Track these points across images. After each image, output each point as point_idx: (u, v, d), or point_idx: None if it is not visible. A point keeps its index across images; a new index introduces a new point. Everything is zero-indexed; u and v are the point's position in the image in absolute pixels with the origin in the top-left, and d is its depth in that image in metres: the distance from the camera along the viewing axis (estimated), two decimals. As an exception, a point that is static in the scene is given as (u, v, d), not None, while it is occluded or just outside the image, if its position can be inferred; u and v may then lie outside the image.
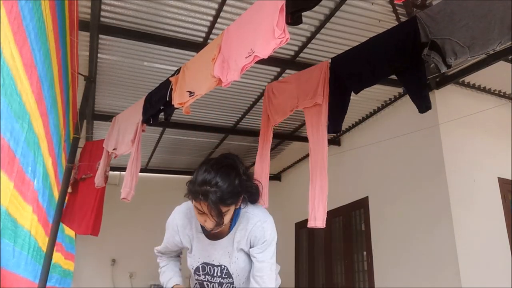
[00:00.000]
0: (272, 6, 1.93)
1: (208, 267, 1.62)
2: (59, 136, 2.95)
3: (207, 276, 1.63)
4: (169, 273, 1.75)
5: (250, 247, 1.58)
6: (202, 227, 1.59)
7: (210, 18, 3.66)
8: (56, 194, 3.42)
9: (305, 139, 6.14)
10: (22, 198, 1.83)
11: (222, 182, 1.40)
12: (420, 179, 4.59)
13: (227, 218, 1.46)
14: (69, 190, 4.11)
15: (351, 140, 5.97)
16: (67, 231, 4.96)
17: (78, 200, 4.16)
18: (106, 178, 3.89)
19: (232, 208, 1.47)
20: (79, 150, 4.03)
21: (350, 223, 5.78)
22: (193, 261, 1.65)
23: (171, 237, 1.68)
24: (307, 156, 7.02)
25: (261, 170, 2.80)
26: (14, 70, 1.37)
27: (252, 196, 1.59)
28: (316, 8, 2.50)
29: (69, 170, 3.57)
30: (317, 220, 2.30)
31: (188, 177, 1.48)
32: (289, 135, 6.13)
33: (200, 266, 1.63)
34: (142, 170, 4.03)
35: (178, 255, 1.85)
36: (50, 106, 2.25)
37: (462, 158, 4.45)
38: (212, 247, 1.60)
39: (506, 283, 4.09)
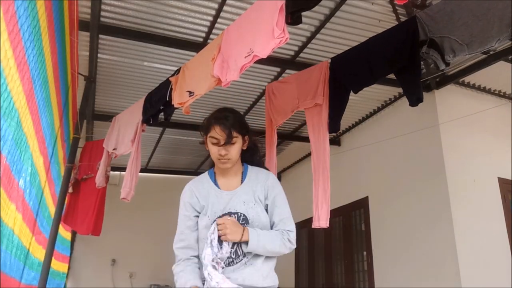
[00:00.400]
0: (272, 6, 1.93)
1: (226, 217, 1.68)
2: (54, 135, 2.95)
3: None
4: (187, 276, 1.67)
5: (265, 198, 1.74)
6: (214, 180, 1.80)
7: (210, 18, 3.66)
8: (47, 193, 3.41)
9: (305, 139, 6.16)
10: (7, 196, 1.84)
11: (232, 114, 1.75)
12: (420, 179, 4.59)
13: (235, 148, 1.71)
14: (70, 190, 4.11)
15: (351, 140, 5.97)
16: (60, 231, 4.94)
17: (79, 200, 4.17)
18: (107, 178, 3.89)
19: (240, 141, 1.74)
20: (79, 150, 4.03)
21: (350, 223, 5.78)
22: (211, 216, 1.70)
23: (188, 201, 1.76)
24: (307, 156, 7.02)
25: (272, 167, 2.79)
26: (7, 69, 1.38)
27: (255, 147, 1.87)
28: (316, 8, 2.50)
29: (69, 170, 3.57)
30: (321, 220, 2.31)
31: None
32: (289, 135, 6.13)
33: (220, 216, 1.70)
34: (142, 170, 4.02)
35: (197, 255, 1.75)
36: (42, 105, 2.24)
37: (462, 158, 4.44)
38: (227, 197, 1.73)
39: (506, 283, 4.09)
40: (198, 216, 1.74)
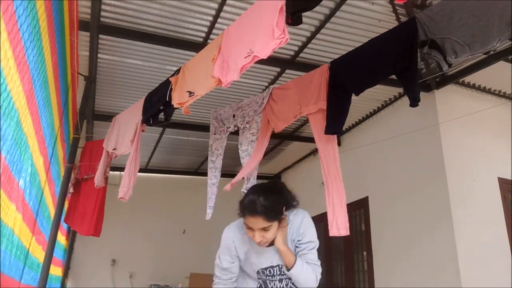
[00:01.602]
0: (272, 7, 1.93)
1: (268, 270, 1.84)
2: (54, 135, 2.95)
3: (268, 276, 1.85)
4: None
5: (298, 241, 1.83)
6: None
7: (210, 18, 3.66)
8: (48, 193, 3.41)
9: (305, 139, 6.16)
10: (7, 196, 1.83)
11: (265, 201, 1.69)
12: (420, 179, 4.59)
13: (271, 233, 1.71)
14: (71, 190, 4.11)
15: (351, 140, 5.97)
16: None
17: (80, 200, 4.16)
18: (106, 178, 3.88)
19: (275, 225, 1.71)
20: (79, 150, 4.02)
21: (350, 223, 5.75)
22: (254, 267, 1.86)
23: (230, 252, 1.86)
24: (307, 156, 7.02)
25: (253, 163, 2.82)
26: (7, 69, 1.38)
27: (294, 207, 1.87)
28: (316, 8, 2.49)
29: (69, 170, 3.56)
30: (340, 229, 2.31)
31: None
32: (289, 135, 6.13)
33: (260, 270, 1.86)
34: (142, 170, 4.04)
35: (235, 280, 1.92)
36: (42, 105, 2.24)
37: (462, 158, 4.44)
38: (267, 252, 1.83)
39: (506, 283, 4.09)
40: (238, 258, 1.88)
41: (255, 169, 2.94)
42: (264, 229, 1.69)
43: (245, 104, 3.17)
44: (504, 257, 4.25)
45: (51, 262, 3.17)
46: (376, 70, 2.36)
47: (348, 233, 2.28)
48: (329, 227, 2.30)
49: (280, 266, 1.82)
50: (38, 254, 3.31)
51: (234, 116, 3.23)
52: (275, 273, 1.84)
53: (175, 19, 3.67)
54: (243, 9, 3.46)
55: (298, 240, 1.82)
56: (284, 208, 1.75)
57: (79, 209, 4.12)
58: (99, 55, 4.07)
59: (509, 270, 4.18)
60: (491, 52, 1.98)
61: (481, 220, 4.26)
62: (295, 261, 1.76)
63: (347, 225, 2.29)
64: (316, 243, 1.86)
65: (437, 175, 4.36)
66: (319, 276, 1.82)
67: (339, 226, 2.30)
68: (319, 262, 1.85)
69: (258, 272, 1.86)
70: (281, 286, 1.83)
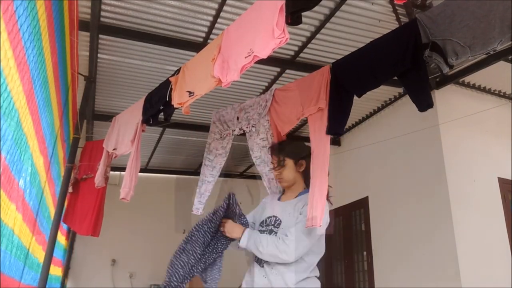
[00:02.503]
0: (272, 6, 1.93)
1: (269, 219, 2.12)
2: (54, 135, 2.95)
3: (265, 226, 2.11)
4: None
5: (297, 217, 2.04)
6: (281, 194, 2.26)
7: (210, 18, 3.66)
8: (48, 193, 3.42)
9: (305, 139, 6.15)
10: (7, 196, 1.84)
11: (286, 141, 2.37)
12: (420, 179, 4.59)
13: (287, 170, 2.11)
14: (70, 190, 4.11)
15: (351, 140, 5.97)
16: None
17: (79, 200, 4.16)
18: (106, 178, 3.88)
19: (291, 164, 2.11)
20: (79, 150, 4.02)
21: (350, 223, 5.78)
22: (262, 217, 2.18)
23: (256, 209, 2.31)
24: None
25: None
26: (7, 69, 1.38)
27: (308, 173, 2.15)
28: (316, 8, 2.50)
29: (69, 170, 3.57)
30: (314, 220, 2.29)
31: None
32: (289, 135, 6.11)
33: (264, 220, 2.14)
34: (142, 170, 4.03)
35: None
36: (42, 105, 2.25)
37: (462, 158, 4.45)
38: (278, 205, 2.16)
39: (506, 283, 4.09)
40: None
41: None
42: (280, 165, 2.08)
43: (248, 105, 3.15)
44: (504, 257, 4.26)
45: (51, 262, 3.17)
46: (378, 72, 2.36)
47: (321, 225, 2.28)
48: (307, 219, 2.30)
49: (277, 218, 2.06)
50: (38, 254, 3.31)
51: (238, 118, 3.20)
52: (269, 223, 2.09)
53: (175, 19, 3.67)
54: (243, 9, 3.46)
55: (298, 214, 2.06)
56: (301, 155, 2.13)
57: (78, 208, 4.12)
58: (99, 55, 4.07)
59: (509, 270, 4.18)
60: (491, 52, 1.98)
61: (481, 220, 4.26)
62: (243, 232, 2.00)
63: (322, 217, 2.28)
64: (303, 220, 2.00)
65: (437, 175, 4.36)
66: (282, 248, 1.92)
67: (313, 217, 2.30)
68: (294, 237, 1.95)
69: (261, 224, 2.12)
70: None
